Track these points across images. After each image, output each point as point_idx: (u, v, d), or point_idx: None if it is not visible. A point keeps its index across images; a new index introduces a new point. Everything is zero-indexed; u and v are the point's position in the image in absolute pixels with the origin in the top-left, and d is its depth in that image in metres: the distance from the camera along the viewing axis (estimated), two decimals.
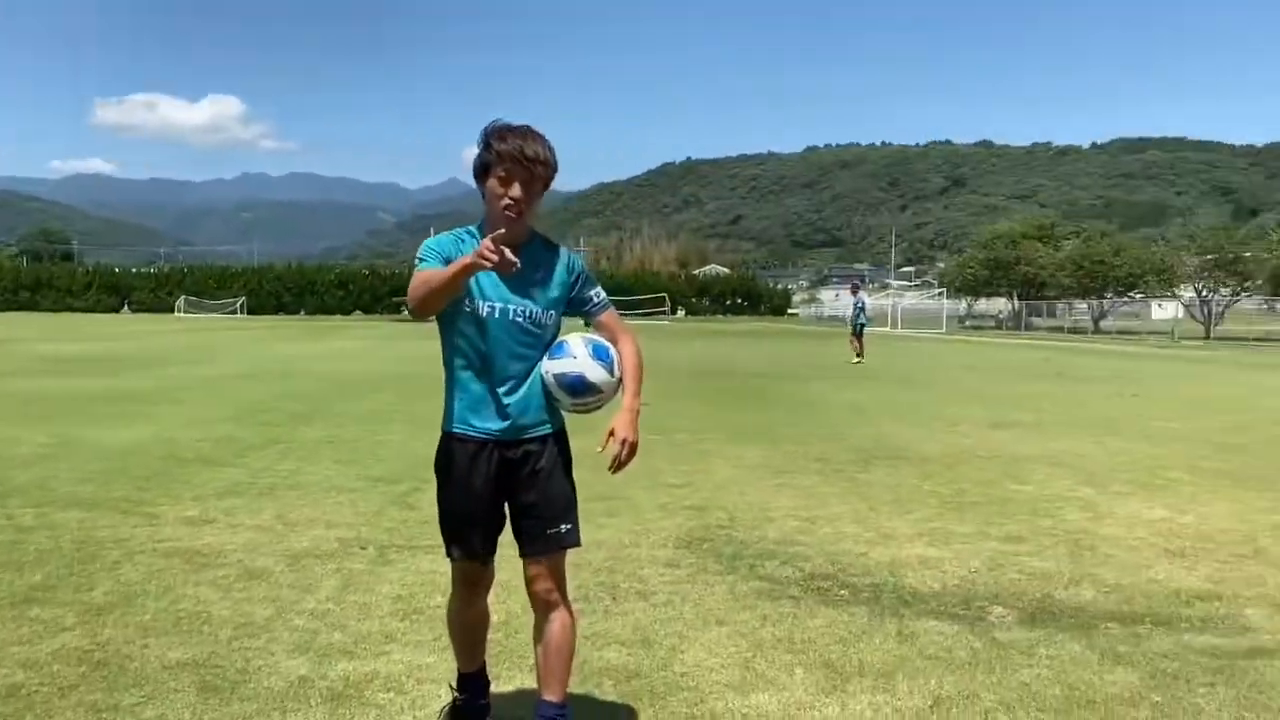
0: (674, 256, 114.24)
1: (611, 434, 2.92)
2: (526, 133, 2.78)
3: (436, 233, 3.07)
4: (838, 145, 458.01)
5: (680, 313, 78.34)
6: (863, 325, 24.71)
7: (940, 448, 9.40)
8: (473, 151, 2.90)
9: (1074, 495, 7.15)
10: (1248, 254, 47.82)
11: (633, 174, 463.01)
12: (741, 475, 7.79)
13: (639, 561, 5.18)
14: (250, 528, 5.81)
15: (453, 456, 2.93)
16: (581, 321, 3.10)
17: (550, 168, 2.81)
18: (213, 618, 4.18)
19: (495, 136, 2.77)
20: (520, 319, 2.85)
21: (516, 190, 2.76)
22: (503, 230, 2.64)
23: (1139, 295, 56.36)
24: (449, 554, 3.04)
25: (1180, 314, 51.71)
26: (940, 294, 72.15)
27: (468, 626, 3.15)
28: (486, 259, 2.49)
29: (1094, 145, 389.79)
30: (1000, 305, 68.58)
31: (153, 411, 11.55)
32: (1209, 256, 49.33)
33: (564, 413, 3.02)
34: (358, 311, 74.18)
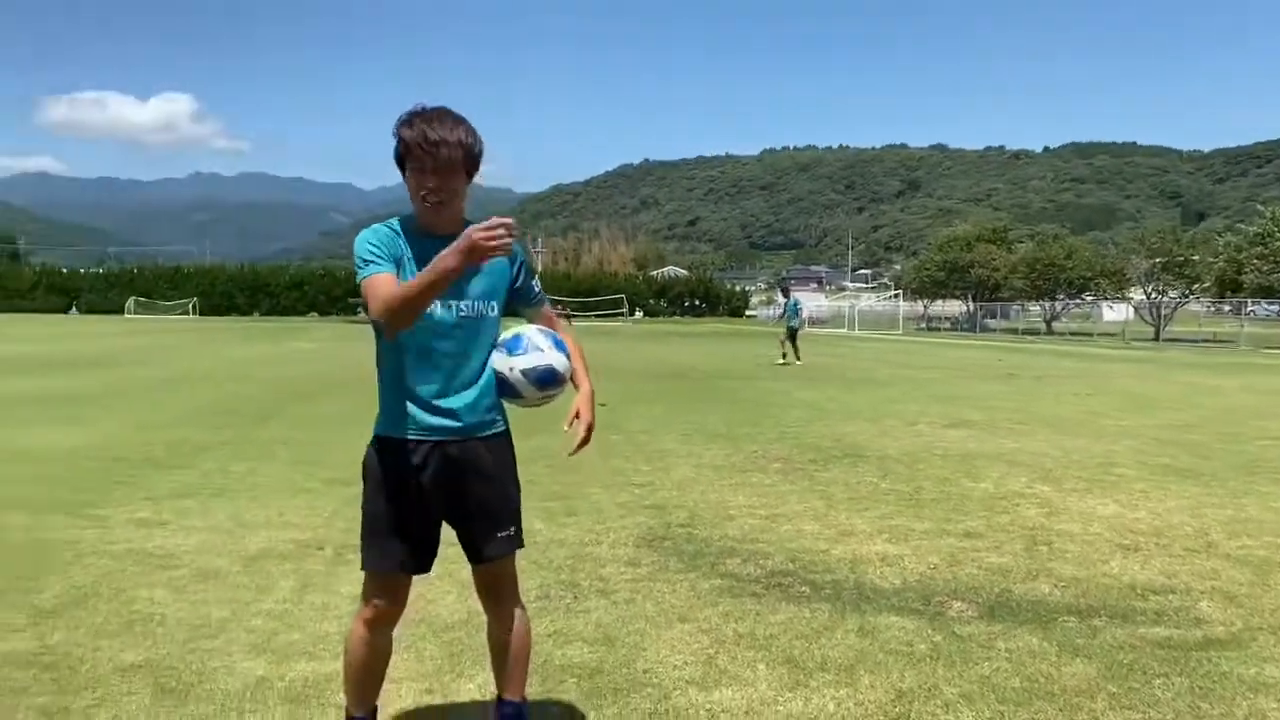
0: (632, 258, 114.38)
1: (577, 415, 2.85)
2: (434, 115, 2.58)
3: None
4: (794, 148, 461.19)
5: (638, 314, 78.45)
6: (794, 328, 24.07)
7: (898, 446, 9.48)
8: None
9: (1030, 492, 7.24)
10: (1195, 257, 48.73)
11: (590, 175, 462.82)
12: (701, 474, 7.80)
13: (600, 560, 5.16)
14: (203, 529, 5.71)
15: (389, 459, 2.75)
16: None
17: (462, 148, 2.58)
18: (167, 619, 4.10)
19: (403, 124, 2.59)
20: (464, 313, 2.71)
21: (430, 180, 2.58)
22: (428, 219, 2.52)
23: (1090, 297, 57.32)
24: (373, 566, 2.77)
25: (1130, 316, 52.69)
26: (896, 296, 72.92)
27: (371, 660, 2.84)
28: (483, 247, 2.35)
29: (1046, 149, 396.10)
30: (955, 307, 69.42)
31: (101, 414, 11.32)
32: (1157, 260, 50.26)
33: (516, 408, 2.91)
34: (313, 313, 73.47)
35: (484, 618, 4.04)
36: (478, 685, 3.45)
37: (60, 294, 75.25)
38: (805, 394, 15.20)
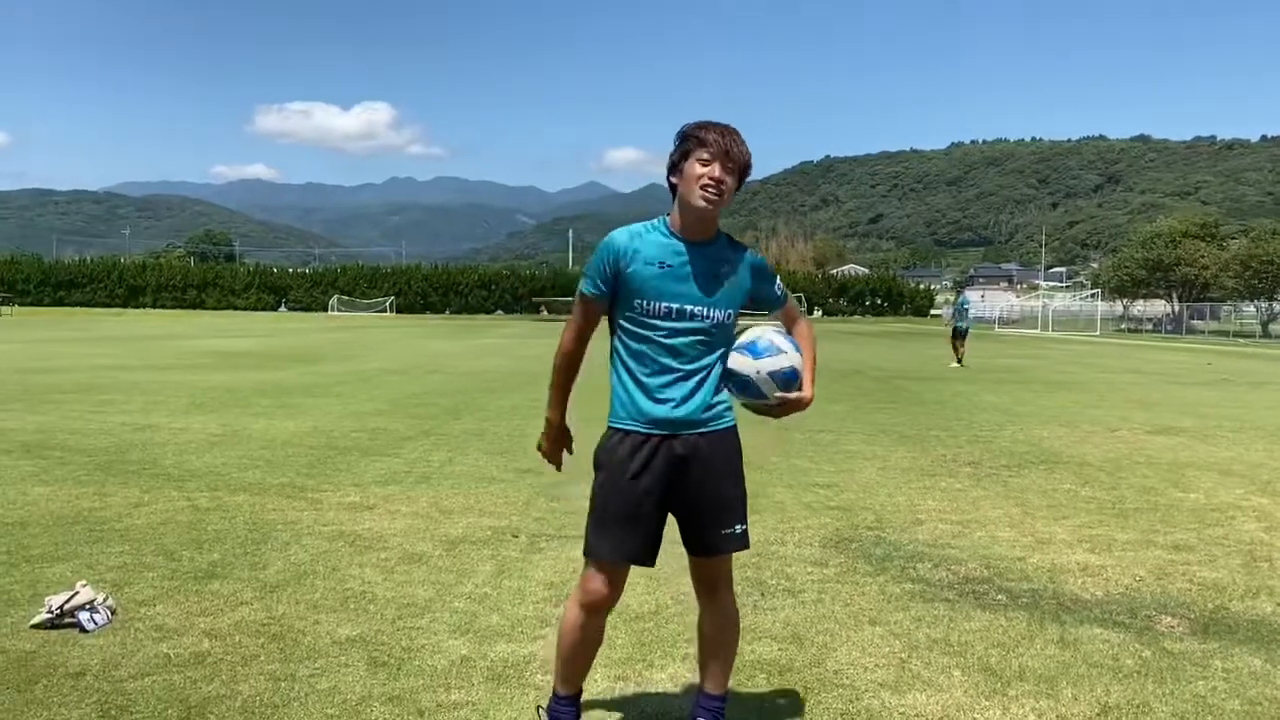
0: (811, 256, 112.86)
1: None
2: (727, 126, 2.78)
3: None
4: (984, 141, 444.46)
5: (817, 313, 77.42)
6: (965, 328, 23.34)
7: (1098, 453, 9.03)
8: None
9: (1247, 505, 6.76)
10: None
11: (769, 173, 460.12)
12: (888, 477, 7.65)
13: (786, 559, 5.15)
14: (408, 514, 6.04)
15: (619, 452, 2.81)
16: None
17: (746, 156, 2.78)
18: (377, 598, 4.37)
19: (699, 127, 2.75)
20: (697, 315, 2.78)
21: (717, 170, 2.71)
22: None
23: None
24: (601, 555, 2.82)
25: None
26: (1094, 295, 69.09)
27: (585, 644, 2.92)
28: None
29: (1264, 138, 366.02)
30: (1158, 308, 65.28)
31: (311, 404, 12.11)
32: None
33: (744, 408, 2.96)
34: (499, 311, 76.29)
35: (674, 610, 4.13)
36: (669, 676, 3.52)
37: (271, 292, 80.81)
38: (995, 397, 14.66)
